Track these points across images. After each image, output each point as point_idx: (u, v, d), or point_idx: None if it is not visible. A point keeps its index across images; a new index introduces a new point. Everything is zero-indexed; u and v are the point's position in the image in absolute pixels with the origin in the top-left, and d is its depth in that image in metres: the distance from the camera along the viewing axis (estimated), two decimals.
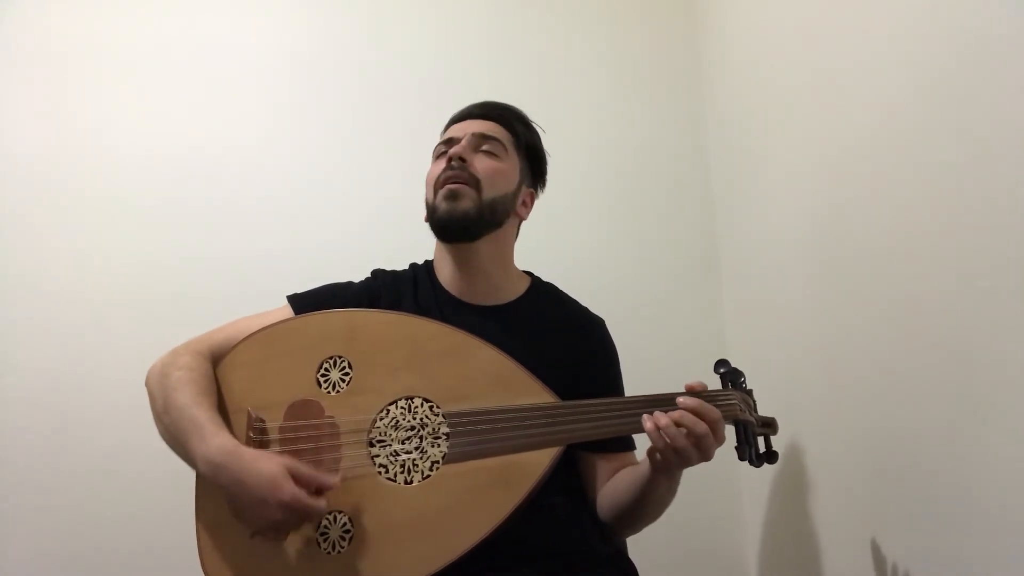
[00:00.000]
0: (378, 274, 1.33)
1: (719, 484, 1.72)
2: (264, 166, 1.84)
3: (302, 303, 1.24)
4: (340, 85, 1.90)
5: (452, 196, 1.21)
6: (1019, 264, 0.89)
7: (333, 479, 1.02)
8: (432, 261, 1.34)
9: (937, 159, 1.03)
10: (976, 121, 0.96)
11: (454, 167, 1.23)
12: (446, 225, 1.23)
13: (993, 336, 0.93)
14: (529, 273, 1.36)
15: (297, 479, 0.99)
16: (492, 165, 1.26)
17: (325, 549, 1.03)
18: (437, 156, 1.30)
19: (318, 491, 1.01)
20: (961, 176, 0.98)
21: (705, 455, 1.02)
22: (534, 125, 1.37)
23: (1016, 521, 0.89)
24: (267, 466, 0.99)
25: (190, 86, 1.86)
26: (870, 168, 1.20)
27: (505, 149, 1.29)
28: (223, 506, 1.04)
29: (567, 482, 1.20)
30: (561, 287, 1.36)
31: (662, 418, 1.01)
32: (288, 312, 1.22)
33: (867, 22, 1.21)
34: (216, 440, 1.02)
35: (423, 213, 1.30)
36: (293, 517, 0.99)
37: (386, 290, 1.28)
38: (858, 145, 1.24)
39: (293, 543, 1.04)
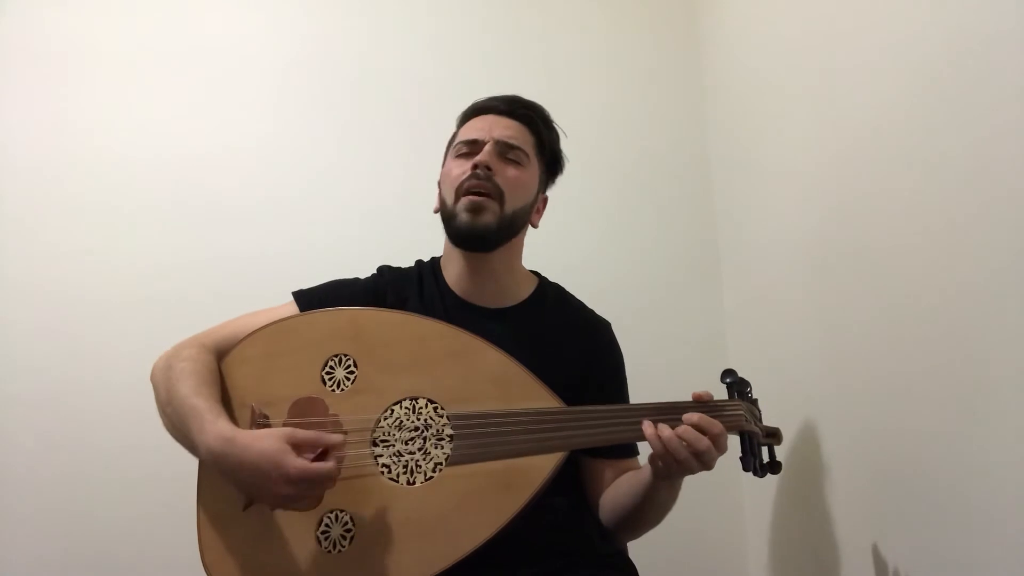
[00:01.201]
0: (384, 271, 1.32)
1: (720, 484, 1.71)
2: (264, 166, 1.84)
3: (307, 299, 1.23)
4: (340, 85, 1.90)
5: (475, 209, 1.18)
6: (1019, 264, 0.89)
7: (336, 437, 0.99)
8: (439, 259, 1.32)
9: (937, 159, 1.04)
10: (976, 121, 0.96)
11: (479, 176, 1.19)
12: (466, 237, 1.20)
13: (994, 337, 0.93)
14: (536, 273, 1.35)
15: (299, 448, 0.97)
16: (516, 176, 1.22)
17: (326, 548, 1.03)
18: (458, 155, 1.25)
19: (325, 453, 0.98)
20: (961, 176, 0.99)
21: (706, 466, 1.02)
22: (556, 127, 1.33)
23: (1016, 522, 0.89)
24: (265, 444, 0.96)
25: (190, 86, 1.86)
26: (870, 168, 1.20)
27: (528, 157, 1.25)
28: (224, 496, 1.04)
29: (568, 482, 1.20)
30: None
31: (664, 430, 1.02)
32: (293, 308, 1.22)
33: (867, 22, 1.21)
34: (215, 428, 1.00)
35: (425, 213, 1.29)
36: (304, 487, 0.96)
37: (392, 288, 1.27)
38: (858, 145, 1.24)
39: (294, 541, 1.04)
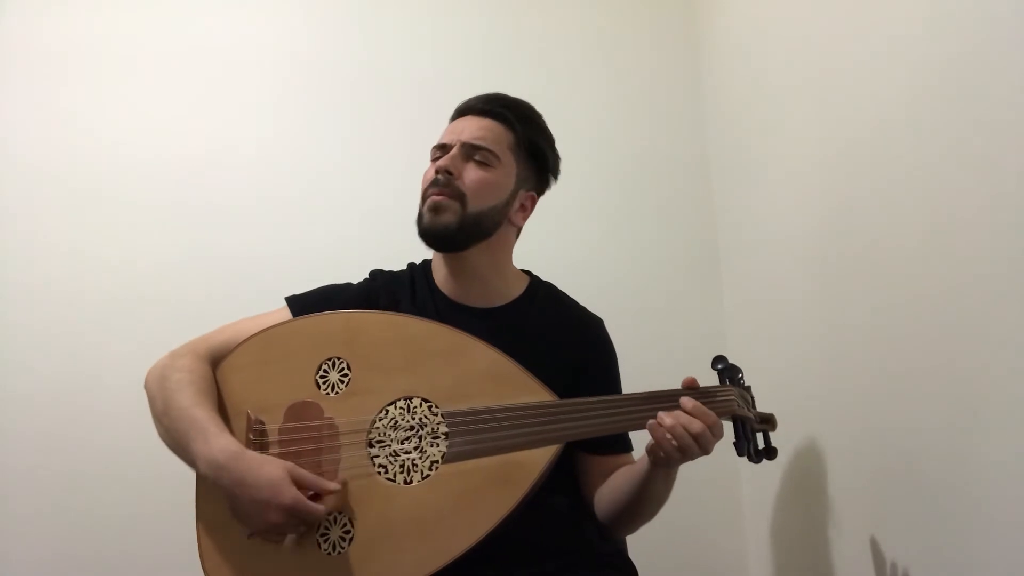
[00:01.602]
0: (376, 275, 1.33)
1: (719, 484, 1.72)
2: (265, 167, 1.84)
3: (300, 305, 1.23)
4: (341, 85, 1.90)
5: (435, 209, 1.20)
6: (1019, 264, 0.89)
7: (333, 485, 1.03)
8: (430, 261, 1.33)
9: (937, 159, 1.03)
10: (976, 121, 0.96)
11: (439, 182, 1.21)
12: (427, 236, 1.22)
13: (993, 336, 0.93)
14: (528, 272, 1.35)
15: (298, 483, 1.01)
16: (481, 177, 1.22)
17: (325, 550, 1.03)
18: (432, 159, 1.28)
19: (317, 495, 1.02)
20: (961, 176, 0.99)
21: (704, 450, 1.04)
22: (542, 123, 1.32)
23: (1016, 521, 0.89)
24: (269, 470, 1.00)
25: (190, 86, 1.86)
26: (870, 168, 1.20)
27: (498, 157, 1.24)
28: (223, 506, 1.04)
29: (567, 482, 1.20)
30: (562, 287, 1.36)
31: (666, 418, 1.03)
32: (286, 314, 1.22)
33: (867, 22, 1.21)
34: (219, 442, 1.03)
35: None
36: (292, 520, 1.00)
37: (384, 291, 1.27)
38: (858, 145, 1.24)
39: (293, 544, 1.04)
